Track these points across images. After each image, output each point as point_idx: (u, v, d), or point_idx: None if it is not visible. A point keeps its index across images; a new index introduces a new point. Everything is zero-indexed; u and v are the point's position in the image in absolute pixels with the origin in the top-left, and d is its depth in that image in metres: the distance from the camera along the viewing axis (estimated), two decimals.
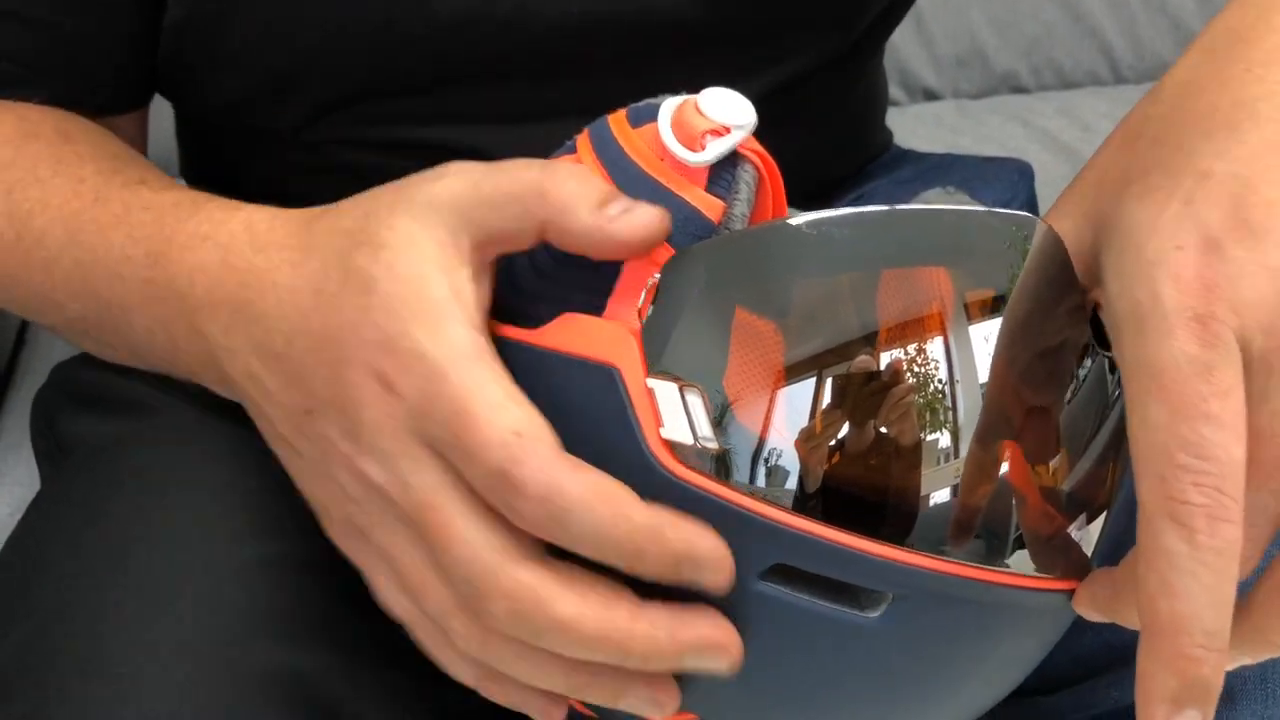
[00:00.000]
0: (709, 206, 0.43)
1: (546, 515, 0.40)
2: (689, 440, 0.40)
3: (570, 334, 0.43)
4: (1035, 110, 1.51)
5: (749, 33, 0.63)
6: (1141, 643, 0.38)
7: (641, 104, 0.46)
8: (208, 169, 0.75)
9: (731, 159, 0.43)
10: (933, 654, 0.43)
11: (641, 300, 0.43)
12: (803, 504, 0.40)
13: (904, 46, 1.49)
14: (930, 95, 1.53)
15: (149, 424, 0.55)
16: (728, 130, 0.43)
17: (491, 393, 0.41)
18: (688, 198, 0.43)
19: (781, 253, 0.42)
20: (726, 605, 0.42)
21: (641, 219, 0.43)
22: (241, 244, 0.49)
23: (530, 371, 0.43)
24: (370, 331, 0.43)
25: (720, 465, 0.40)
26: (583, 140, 0.46)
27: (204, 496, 0.52)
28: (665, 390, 0.41)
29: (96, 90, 0.64)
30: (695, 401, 0.40)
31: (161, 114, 0.78)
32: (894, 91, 1.52)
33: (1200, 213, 0.37)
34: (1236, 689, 0.55)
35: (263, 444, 0.51)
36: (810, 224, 0.41)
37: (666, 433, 0.40)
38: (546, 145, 0.61)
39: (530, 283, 0.46)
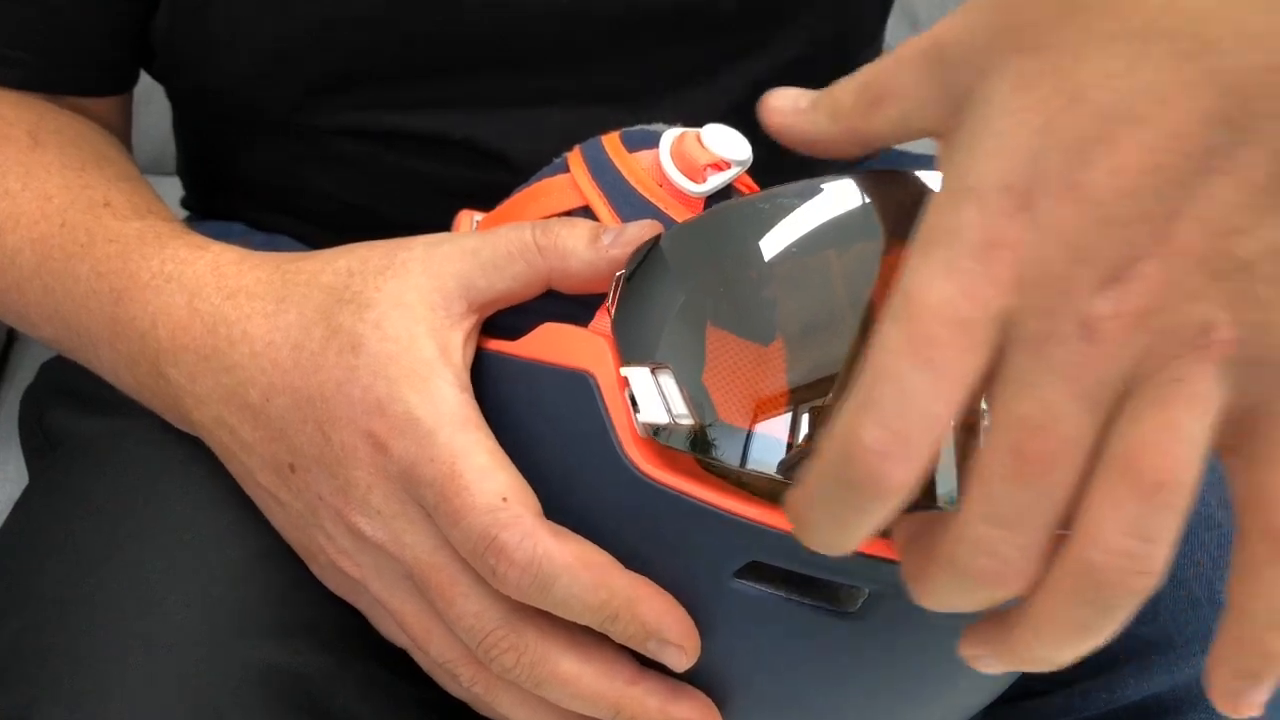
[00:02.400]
0: None
1: (531, 582, 0.41)
2: (665, 419, 0.40)
3: (548, 344, 0.44)
4: None
5: (738, 19, 0.63)
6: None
7: (635, 129, 0.47)
8: (205, 165, 0.75)
9: (725, 193, 0.45)
10: (911, 649, 0.43)
11: (609, 300, 0.43)
12: (786, 477, 0.39)
13: (897, 40, 1.49)
14: None
15: (138, 420, 0.54)
16: (728, 165, 0.45)
17: (479, 458, 0.42)
18: None
19: (741, 229, 0.41)
20: (702, 603, 0.43)
21: (635, 234, 0.44)
22: (209, 288, 0.49)
23: (510, 381, 0.45)
24: (359, 392, 0.43)
25: (698, 442, 0.39)
26: (575, 159, 0.47)
27: (193, 493, 0.51)
28: (638, 376, 0.41)
29: (75, 72, 0.63)
30: (668, 381, 0.40)
31: (161, 115, 0.77)
32: None
33: (1047, 150, 0.31)
34: None
35: None
36: (763, 197, 0.41)
37: (643, 417, 0.40)
38: (539, 132, 0.61)
39: (528, 301, 0.47)
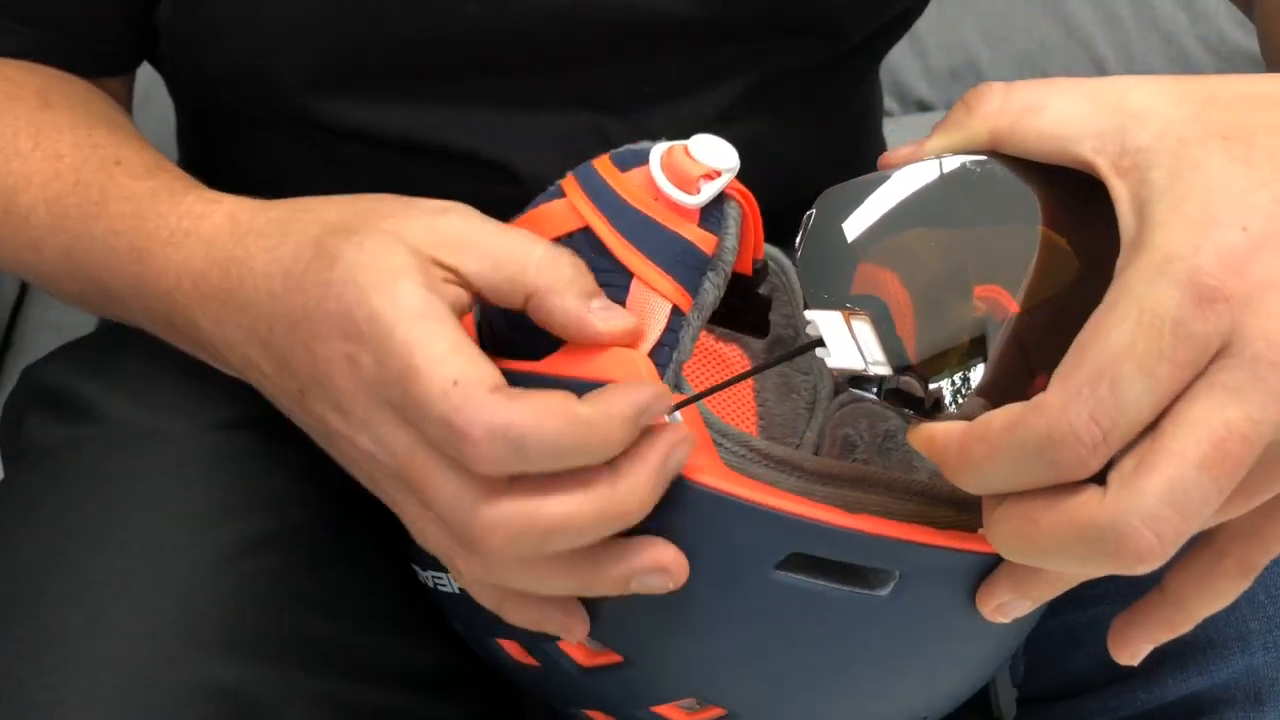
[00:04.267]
0: (704, 241, 0.46)
1: (501, 453, 0.40)
2: (859, 366, 0.41)
3: (583, 360, 0.45)
4: None
5: (739, 29, 0.63)
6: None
7: (622, 150, 0.49)
8: (206, 170, 0.74)
9: (718, 198, 0.47)
10: (941, 625, 0.46)
11: (798, 238, 0.45)
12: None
13: (897, 58, 1.50)
14: (923, 107, 1.53)
15: (100, 429, 0.54)
16: (719, 174, 0.46)
17: (435, 347, 0.41)
18: (684, 234, 0.46)
19: (928, 192, 0.43)
20: (744, 594, 0.44)
21: (619, 323, 0.44)
22: (224, 236, 0.49)
23: None
24: (332, 304, 0.43)
25: (885, 389, 0.41)
26: (570, 185, 0.48)
27: (147, 503, 0.51)
28: (829, 320, 0.42)
29: (83, 46, 0.62)
30: (862, 327, 0.41)
31: (160, 120, 0.77)
32: (887, 103, 1.52)
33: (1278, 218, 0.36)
34: (1264, 691, 0.55)
35: (212, 456, 0.52)
36: (942, 166, 0.43)
37: (835, 362, 0.41)
38: (539, 142, 0.61)
39: (503, 333, 0.48)
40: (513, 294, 0.44)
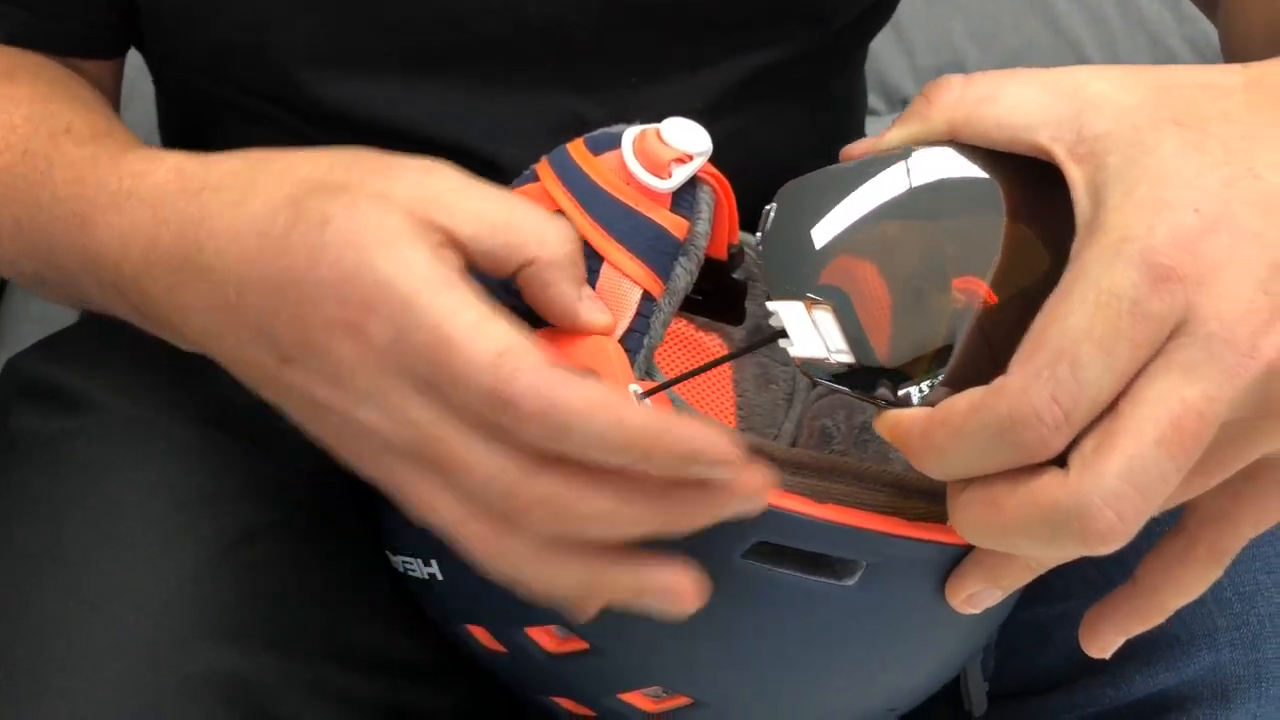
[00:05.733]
0: (676, 226, 0.47)
1: (547, 430, 0.38)
2: (823, 355, 0.41)
3: (553, 345, 0.44)
4: None
5: (720, 19, 0.63)
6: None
7: (597, 133, 0.49)
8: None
9: (691, 181, 0.47)
10: (909, 617, 0.46)
11: (759, 228, 0.45)
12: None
13: (884, 56, 1.49)
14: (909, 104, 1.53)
15: (91, 420, 0.54)
16: (690, 158, 0.46)
17: (468, 315, 0.39)
18: (656, 219, 0.46)
19: (891, 183, 0.43)
20: (711, 581, 0.43)
21: (601, 318, 0.45)
22: (171, 194, 0.46)
23: None
24: (327, 270, 0.40)
25: (854, 379, 0.41)
26: (544, 169, 0.48)
27: (143, 496, 0.51)
28: (791, 310, 0.42)
29: (67, 28, 0.61)
30: (824, 317, 0.41)
31: (145, 113, 0.77)
32: (873, 100, 1.52)
33: (1234, 203, 0.37)
34: (1231, 688, 0.55)
35: (202, 447, 0.51)
36: (904, 155, 0.43)
37: (798, 351, 0.41)
38: (523, 131, 0.61)
39: (509, 302, 0.47)
40: (507, 261, 0.43)
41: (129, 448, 0.52)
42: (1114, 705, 0.58)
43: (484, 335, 0.39)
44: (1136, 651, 0.57)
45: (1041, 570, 0.43)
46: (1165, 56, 1.60)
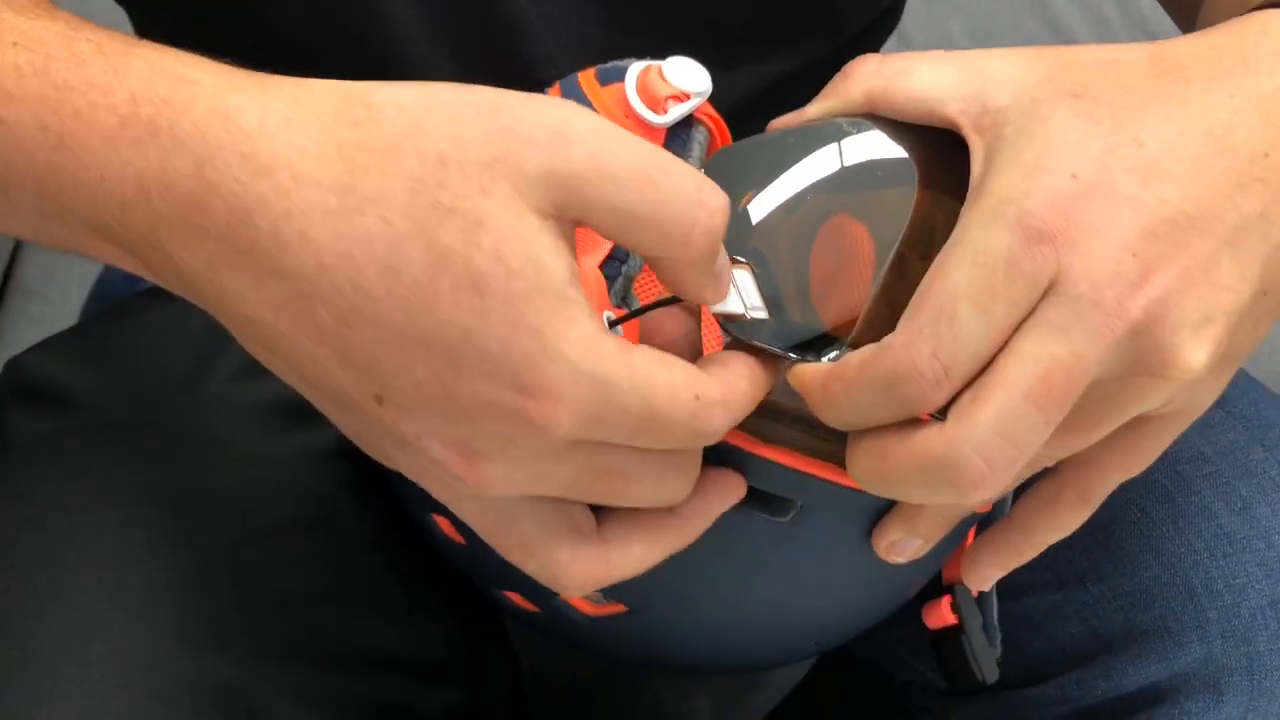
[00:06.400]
0: None
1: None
2: (740, 311, 0.42)
3: None
4: None
5: (732, 32, 0.63)
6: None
7: (609, 65, 0.50)
8: None
9: (687, 121, 0.48)
10: (837, 557, 0.49)
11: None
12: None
13: None
14: None
15: (83, 421, 0.53)
16: (687, 96, 0.48)
17: (658, 373, 0.37)
18: None
19: (803, 146, 0.45)
20: None
21: (714, 297, 0.41)
22: (226, 151, 0.37)
23: None
24: (496, 345, 0.36)
25: (762, 334, 0.42)
26: (554, 93, 0.50)
27: (135, 497, 0.50)
28: None
29: None
30: (744, 276, 0.43)
31: None
32: None
33: (1113, 170, 0.39)
34: (1223, 680, 0.55)
35: (197, 450, 0.50)
36: (830, 125, 0.46)
37: (716, 307, 0.42)
38: None
39: None
40: (643, 254, 0.39)
41: (121, 450, 0.52)
42: (1106, 697, 0.58)
43: (678, 394, 0.38)
44: (1128, 643, 0.57)
45: (954, 522, 0.46)
46: None
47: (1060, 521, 0.44)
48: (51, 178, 0.39)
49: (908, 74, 0.43)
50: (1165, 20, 1.68)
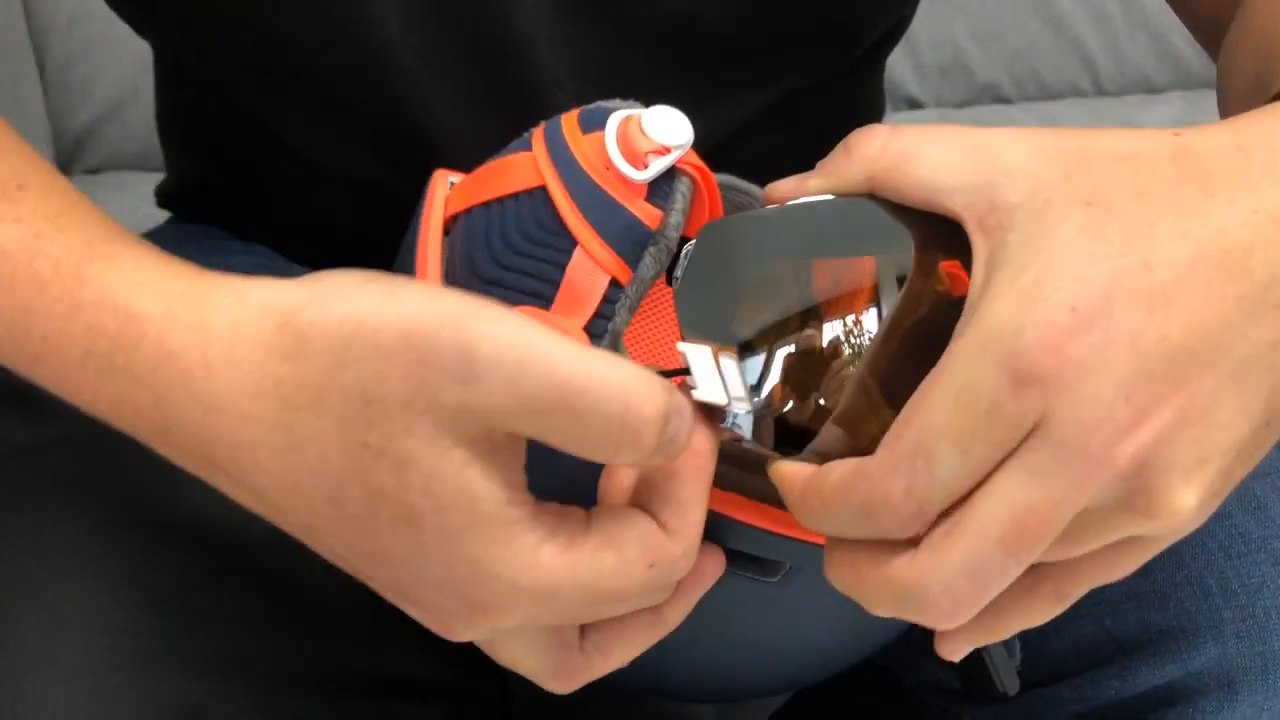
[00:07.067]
0: (648, 216, 0.47)
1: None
2: (722, 401, 0.41)
3: None
4: (1016, 120, 1.52)
5: (744, 50, 0.63)
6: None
7: (593, 107, 0.49)
8: (186, 156, 0.74)
9: (669, 172, 0.47)
10: (819, 610, 0.49)
11: (677, 269, 0.47)
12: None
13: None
14: (913, 104, 1.54)
15: (60, 430, 0.52)
16: (668, 150, 0.47)
17: (606, 562, 0.39)
18: (630, 208, 0.47)
19: (797, 228, 0.44)
20: None
21: (683, 440, 0.39)
22: (172, 386, 0.40)
23: None
24: (438, 569, 0.38)
25: (752, 426, 0.41)
26: (537, 138, 0.49)
27: (111, 513, 0.50)
28: (698, 354, 0.42)
29: None
30: (729, 364, 0.42)
31: (148, 110, 0.77)
32: None
33: (1116, 300, 0.36)
34: (1238, 680, 0.55)
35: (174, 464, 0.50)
36: (813, 204, 0.43)
37: (700, 395, 0.41)
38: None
39: (491, 271, 0.48)
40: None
41: (102, 461, 0.51)
42: (1120, 697, 0.58)
43: (628, 565, 0.39)
44: (1143, 644, 0.57)
45: None
46: (1169, 55, 1.60)
47: (1034, 612, 0.42)
48: (36, 377, 0.43)
49: (913, 158, 0.40)
50: (1167, 20, 1.69)
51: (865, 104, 0.76)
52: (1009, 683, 0.53)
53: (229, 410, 0.39)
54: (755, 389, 0.42)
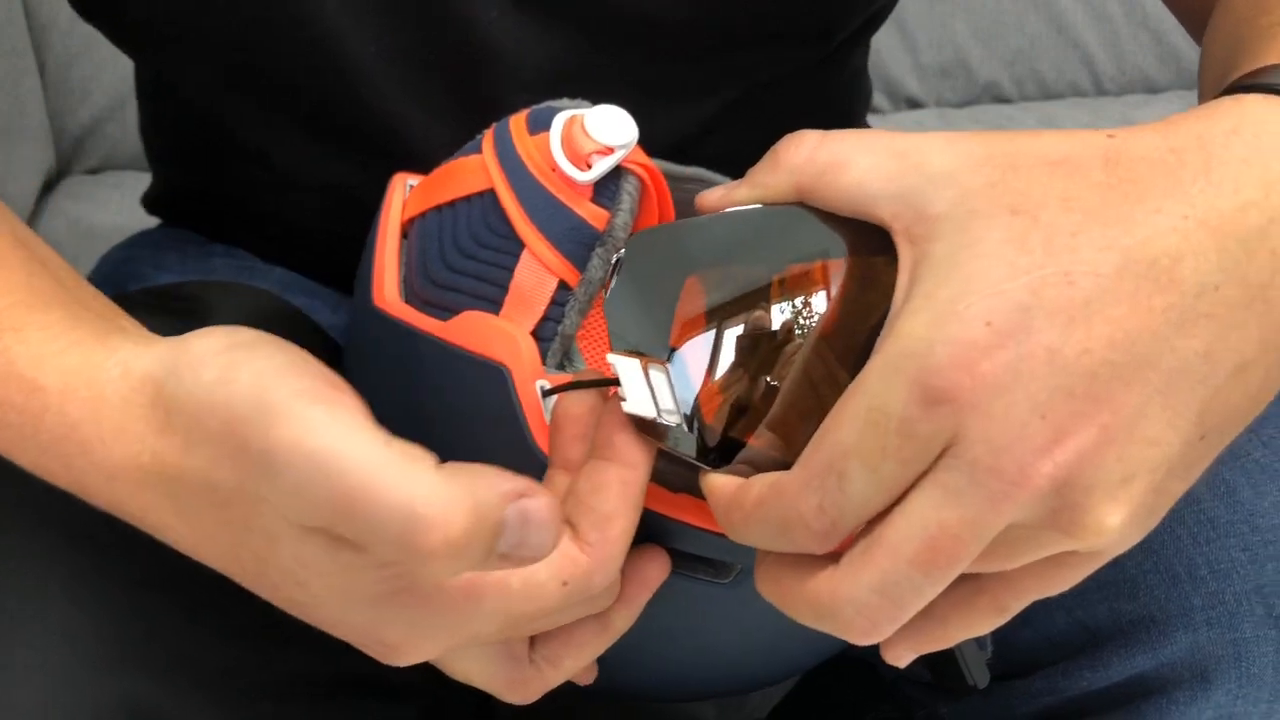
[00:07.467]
0: (595, 217, 0.47)
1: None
2: (652, 414, 0.41)
3: (471, 331, 0.46)
4: (1017, 120, 1.52)
5: (722, 43, 0.63)
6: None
7: (541, 107, 0.49)
8: (170, 161, 0.75)
9: (615, 172, 0.47)
10: (770, 611, 0.47)
11: (606, 281, 0.46)
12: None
13: (888, 55, 1.50)
14: (913, 104, 1.54)
15: None
16: (611, 150, 0.46)
17: (515, 586, 0.40)
18: (576, 209, 0.47)
19: (726, 237, 0.43)
20: None
21: (537, 550, 0.38)
22: (71, 453, 0.42)
23: (435, 360, 0.47)
24: (339, 619, 0.40)
25: (673, 439, 0.41)
26: (487, 140, 0.49)
27: (70, 516, 0.48)
28: (627, 367, 0.42)
29: None
30: (659, 378, 0.41)
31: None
32: (878, 99, 1.52)
33: (1034, 314, 0.35)
34: (1210, 669, 0.55)
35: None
36: (741, 213, 0.43)
37: (630, 408, 0.41)
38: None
39: (442, 275, 0.49)
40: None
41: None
42: (1093, 689, 0.58)
43: (540, 589, 0.40)
44: (1114, 634, 0.57)
45: None
46: (1169, 54, 1.59)
47: (975, 623, 0.41)
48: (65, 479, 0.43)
49: (841, 166, 0.40)
50: (1167, 19, 1.69)
51: (846, 92, 0.75)
52: (979, 676, 0.52)
53: (126, 480, 0.40)
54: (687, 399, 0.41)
